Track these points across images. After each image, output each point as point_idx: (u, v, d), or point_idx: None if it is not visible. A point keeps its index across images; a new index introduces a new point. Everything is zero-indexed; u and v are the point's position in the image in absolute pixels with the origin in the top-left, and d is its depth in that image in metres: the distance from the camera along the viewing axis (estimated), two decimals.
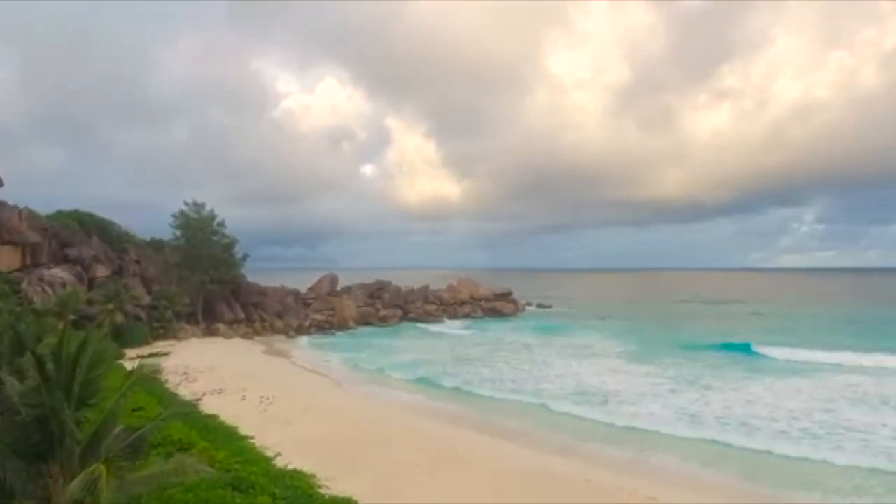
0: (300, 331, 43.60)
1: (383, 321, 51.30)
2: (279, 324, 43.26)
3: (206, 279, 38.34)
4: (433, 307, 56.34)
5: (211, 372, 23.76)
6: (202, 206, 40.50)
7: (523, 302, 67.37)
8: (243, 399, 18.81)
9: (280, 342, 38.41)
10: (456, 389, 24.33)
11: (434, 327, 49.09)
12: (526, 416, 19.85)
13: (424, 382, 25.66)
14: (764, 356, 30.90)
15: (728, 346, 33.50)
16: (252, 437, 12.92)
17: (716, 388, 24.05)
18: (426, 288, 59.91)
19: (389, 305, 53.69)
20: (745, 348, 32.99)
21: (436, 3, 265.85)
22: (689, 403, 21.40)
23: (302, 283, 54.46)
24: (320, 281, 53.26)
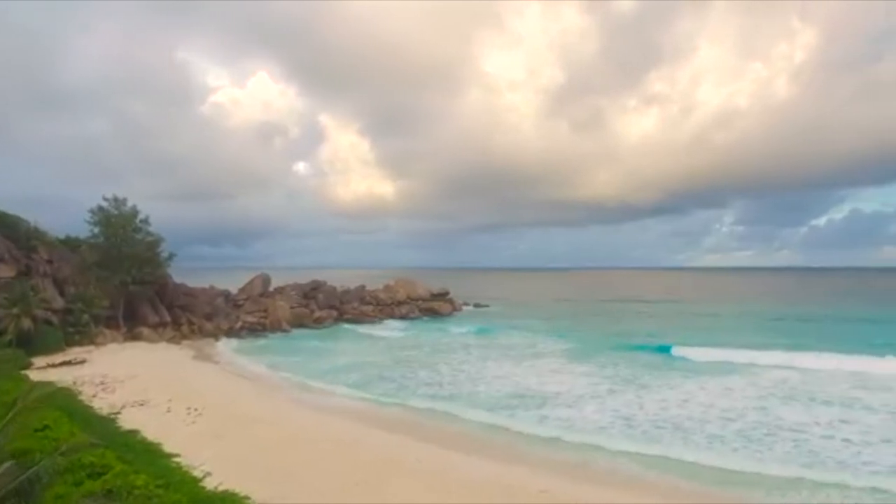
0: (231, 333, 41.56)
1: (318, 322, 49.74)
2: (208, 326, 41.08)
3: (127, 280, 35.83)
4: (370, 308, 55.14)
5: (132, 381, 21.86)
6: (123, 201, 37.87)
7: (460, 302, 67.13)
8: (169, 411, 17.22)
9: (210, 346, 36.38)
10: (395, 394, 23.42)
11: (371, 328, 47.88)
12: (467, 422, 19.18)
13: (363, 387, 24.62)
14: (688, 358, 31.02)
15: (660, 348, 33.55)
16: (178, 456, 11.69)
17: (651, 388, 24.00)
18: (362, 288, 58.65)
19: (324, 306, 52.13)
20: (666, 349, 33.22)
21: (371, 1, 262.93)
22: (624, 406, 21.15)
23: (233, 283, 52.18)
24: (252, 281, 51.08)
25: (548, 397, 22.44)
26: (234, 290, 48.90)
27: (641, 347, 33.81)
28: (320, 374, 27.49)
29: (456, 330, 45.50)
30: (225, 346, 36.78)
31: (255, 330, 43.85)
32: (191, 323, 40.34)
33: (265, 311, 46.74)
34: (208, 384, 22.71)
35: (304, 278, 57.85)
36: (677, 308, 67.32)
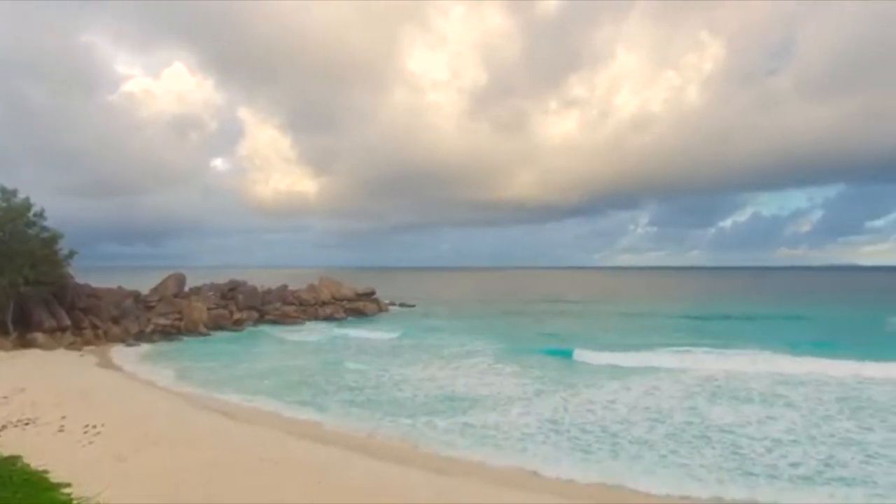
0: (141, 337, 38.47)
1: (238, 324, 47.10)
2: (116, 330, 37.85)
3: (19, 280, 32.24)
4: (292, 308, 52.80)
5: (19, 395, 19.22)
6: (13, 193, 34.11)
7: (386, 301, 65.93)
8: (61, 430, 15.00)
9: (116, 352, 33.39)
10: (311, 401, 22.01)
11: (294, 330, 45.74)
12: (399, 430, 18.12)
13: (287, 394, 23.02)
14: (613, 360, 30.64)
15: (560, 352, 33.14)
16: (68, 486, 9.97)
17: (579, 392, 23.51)
18: (284, 288, 56.16)
19: (244, 307, 49.43)
20: (567, 353, 32.73)
21: None
22: (551, 410, 20.48)
23: (145, 283, 48.60)
24: (165, 281, 47.63)
25: (470, 400, 21.60)
26: (145, 290, 45.37)
27: (553, 352, 32.95)
28: (237, 381, 25.69)
29: (382, 330, 44.05)
30: (133, 352, 33.91)
31: (169, 333, 40.87)
32: (95, 327, 37.00)
33: (179, 312, 43.70)
34: (111, 396, 20.40)
35: (222, 278, 54.81)
36: (595, 308, 68.46)
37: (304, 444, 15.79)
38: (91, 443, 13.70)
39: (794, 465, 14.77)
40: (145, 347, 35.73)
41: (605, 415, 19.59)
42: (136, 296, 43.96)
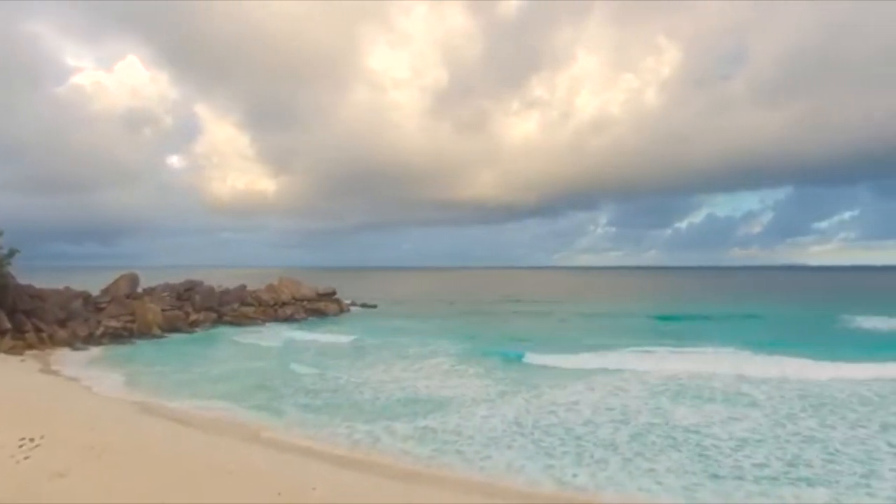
0: (90, 341, 36.77)
1: (194, 326, 45.60)
2: (62, 334, 36.09)
3: None
4: (251, 309, 51.49)
5: None
6: None
7: (348, 302, 65.02)
8: None
9: (62, 357, 31.76)
10: (281, 406, 21.25)
11: (252, 331, 44.52)
12: (359, 435, 17.53)
13: (244, 399, 22.17)
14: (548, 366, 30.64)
15: (521, 354, 32.95)
16: None
17: (543, 393, 23.30)
18: (243, 288, 54.77)
19: (201, 308, 47.95)
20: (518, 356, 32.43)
21: None
22: (515, 413, 20.25)
23: (96, 284, 46.70)
24: (117, 281, 45.83)
25: (433, 402, 21.14)
26: (96, 291, 43.53)
27: (515, 353, 32.58)
28: (191, 385, 24.69)
29: (343, 331, 43.24)
30: (81, 356, 32.33)
31: (120, 336, 39.20)
32: (39, 330, 35.20)
33: (132, 314, 42.02)
34: (53, 404, 19.21)
35: (178, 278, 53.17)
36: (556, 308, 68.78)
37: (261, 452, 15.08)
38: (27, 458, 12.71)
39: (760, 465, 14.75)
40: (94, 351, 34.13)
41: (569, 417, 19.35)
42: (86, 297, 42.12)
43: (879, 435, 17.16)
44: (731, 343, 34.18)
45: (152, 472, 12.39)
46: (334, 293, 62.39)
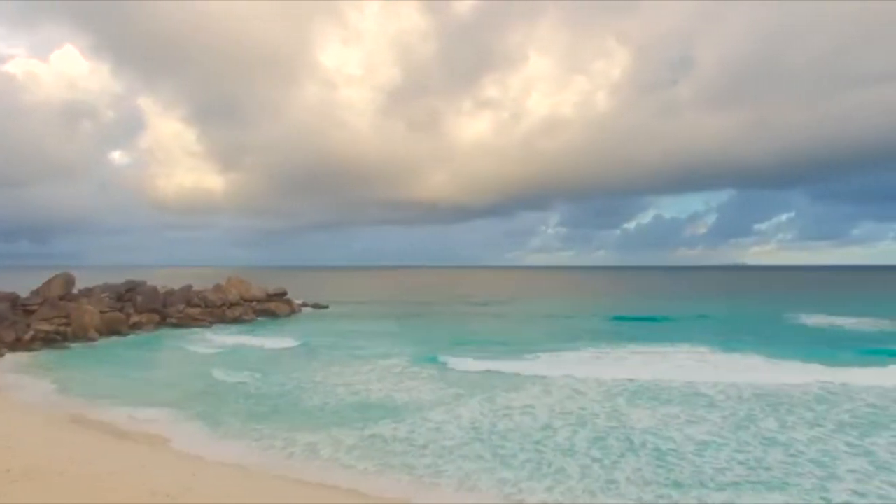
0: (18, 346, 34.44)
1: (136, 328, 43.46)
2: None
3: None
4: (197, 310, 49.45)
5: None
6: None
7: (299, 302, 63.41)
8: None
9: None
10: (223, 416, 20.04)
11: (199, 333, 42.67)
12: (308, 447, 16.56)
13: (184, 408, 20.90)
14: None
15: (476, 355, 32.78)
16: None
17: (499, 397, 22.90)
18: (189, 288, 52.57)
19: (144, 309, 45.76)
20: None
21: None
22: (470, 418, 19.77)
23: (27, 284, 44.01)
24: (50, 282, 43.19)
25: (385, 408, 20.41)
26: (26, 293, 40.93)
27: (470, 354, 32.21)
28: (129, 393, 23.18)
29: (294, 333, 41.90)
30: (7, 363, 30.26)
31: (53, 340, 36.91)
32: None
33: (67, 317, 39.68)
34: None
35: (119, 278, 50.64)
36: (511, 308, 69.01)
37: (202, 470, 14.03)
38: None
39: (721, 469, 14.51)
40: (22, 357, 31.92)
41: (526, 421, 18.88)
42: (14, 299, 39.54)
43: (836, 434, 17.26)
44: (685, 343, 34.44)
45: (80, 495, 11.24)
46: (285, 294, 60.74)
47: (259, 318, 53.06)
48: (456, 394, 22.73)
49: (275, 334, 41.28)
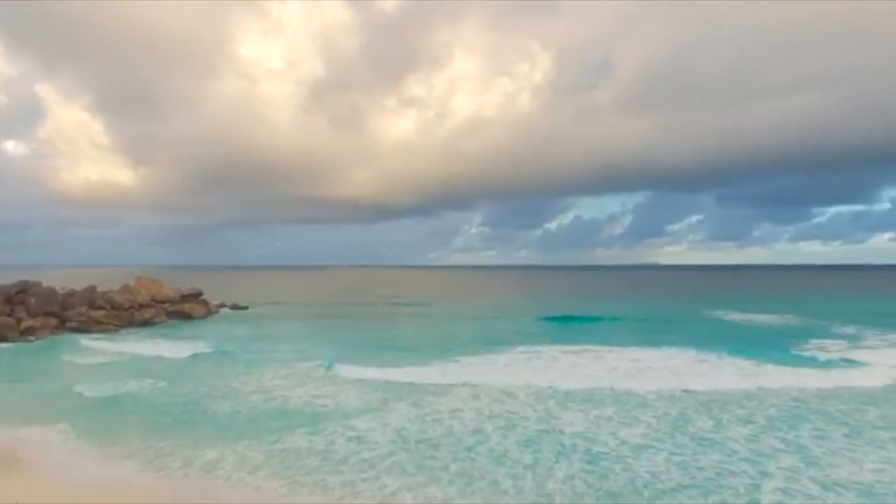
0: None
1: (29, 334, 39.65)
2: None
3: None
4: (102, 313, 45.81)
5: None
6: None
7: (216, 303, 60.20)
8: None
9: None
10: (119, 428, 18.21)
11: (103, 338, 39.32)
12: (204, 467, 15.00)
13: (76, 422, 18.72)
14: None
15: (405, 358, 31.90)
16: None
17: (427, 402, 22.15)
18: (92, 289, 48.73)
19: (38, 313, 41.91)
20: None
21: None
22: (395, 426, 18.92)
23: None
24: None
25: (304, 415, 19.13)
26: None
27: (386, 357, 31.38)
28: (10, 409, 20.62)
29: (208, 335, 39.49)
30: None
31: None
32: None
33: None
34: None
35: (11, 279, 46.13)
36: (435, 308, 68.03)
37: (83, 496, 12.34)
38: None
39: (656, 474, 14.19)
40: None
41: (455, 426, 18.13)
42: None
43: (767, 431, 17.44)
44: (614, 342, 34.47)
45: None
46: (200, 294, 57.56)
47: (172, 321, 49.92)
48: (382, 399, 21.66)
49: (188, 337, 38.73)
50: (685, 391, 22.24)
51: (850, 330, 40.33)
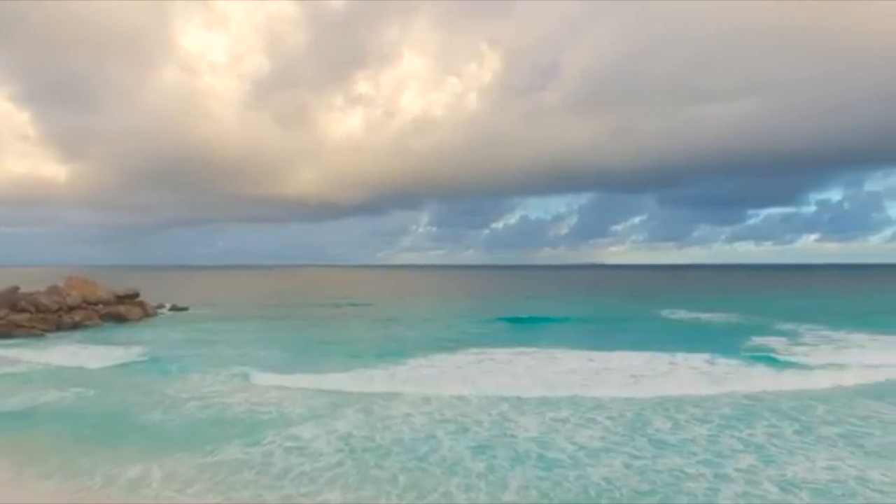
0: None
1: None
2: None
3: None
4: (25, 316, 42.81)
5: None
6: None
7: (154, 304, 57.38)
8: None
9: None
10: (30, 443, 16.60)
11: (26, 344, 36.57)
12: (126, 486, 13.71)
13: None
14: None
15: (361, 363, 30.88)
16: None
17: (375, 409, 21.28)
18: (14, 290, 45.67)
19: None
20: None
21: None
22: (342, 435, 17.93)
23: None
24: None
25: (243, 424, 17.89)
26: None
27: (336, 359, 30.22)
28: None
29: (143, 339, 37.31)
30: None
31: None
32: None
33: None
34: None
35: None
36: (385, 310, 66.60)
37: None
38: None
39: (611, 480, 13.67)
40: None
41: (406, 433, 17.31)
42: None
43: (724, 430, 17.28)
44: (567, 343, 34.09)
45: None
46: (137, 295, 54.91)
47: (106, 324, 47.15)
48: (327, 405, 20.50)
49: (120, 342, 36.34)
50: (641, 392, 21.98)
51: (789, 327, 41.57)
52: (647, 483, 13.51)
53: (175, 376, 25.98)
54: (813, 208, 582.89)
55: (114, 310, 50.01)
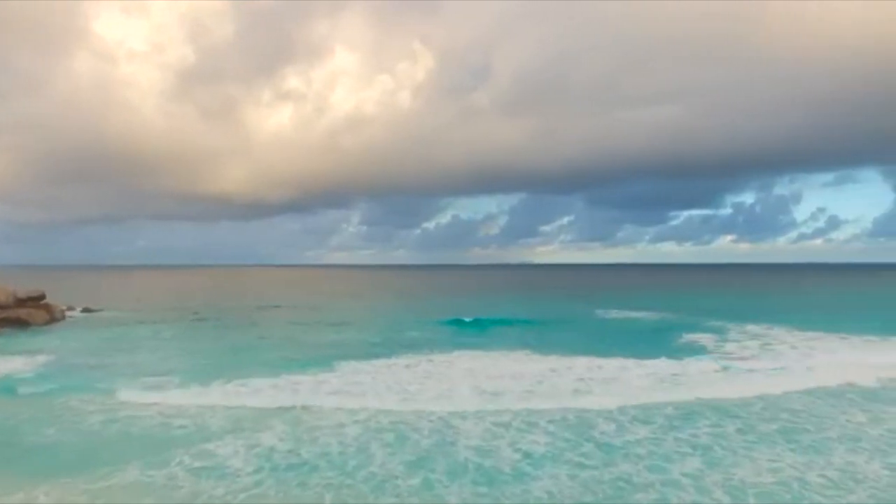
0: None
1: None
2: None
3: None
4: None
5: None
6: None
7: (63, 307, 53.00)
8: None
9: None
10: None
11: None
12: None
13: None
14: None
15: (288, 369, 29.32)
16: None
17: (305, 419, 19.88)
18: None
19: None
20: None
21: None
22: (270, 445, 16.49)
23: None
24: None
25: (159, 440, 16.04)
26: None
27: (260, 368, 28.52)
28: None
29: (46, 346, 33.90)
30: None
31: None
32: None
33: None
34: None
35: None
36: (316, 312, 63.45)
37: None
38: None
39: (553, 494, 12.76)
40: None
41: (336, 444, 16.00)
42: None
43: (667, 432, 16.85)
44: (506, 345, 33.37)
45: None
46: (43, 297, 50.39)
47: (5, 330, 42.95)
48: (246, 416, 18.83)
49: (18, 351, 32.70)
50: (583, 393, 21.51)
51: (716, 324, 42.81)
52: (591, 494, 12.72)
53: (75, 387, 23.15)
54: (729, 210, 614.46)
55: (13, 314, 45.67)
